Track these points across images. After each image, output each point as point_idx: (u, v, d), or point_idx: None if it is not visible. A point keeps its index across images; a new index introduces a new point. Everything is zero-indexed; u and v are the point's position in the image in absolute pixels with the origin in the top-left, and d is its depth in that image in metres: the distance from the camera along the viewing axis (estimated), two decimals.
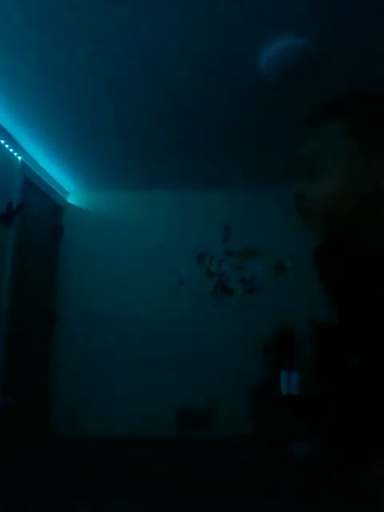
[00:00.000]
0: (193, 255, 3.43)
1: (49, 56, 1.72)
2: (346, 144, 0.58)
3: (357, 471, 2.33)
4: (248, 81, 1.90)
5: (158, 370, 3.24)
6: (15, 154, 2.51)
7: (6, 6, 1.44)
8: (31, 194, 2.77)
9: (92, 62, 1.77)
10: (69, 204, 3.52)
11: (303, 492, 2.09)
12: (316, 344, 3.04)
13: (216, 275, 3.40)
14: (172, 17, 1.49)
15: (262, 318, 3.26)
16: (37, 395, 2.93)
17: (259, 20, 1.52)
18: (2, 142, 2.35)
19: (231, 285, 3.38)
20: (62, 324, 3.29)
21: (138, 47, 1.66)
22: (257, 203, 3.51)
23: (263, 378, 3.06)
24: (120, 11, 1.47)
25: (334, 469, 2.42)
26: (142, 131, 2.44)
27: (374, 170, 0.56)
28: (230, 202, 3.52)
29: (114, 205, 3.53)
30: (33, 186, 2.80)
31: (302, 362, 3.01)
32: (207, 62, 1.77)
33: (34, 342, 2.89)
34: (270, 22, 1.53)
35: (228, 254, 3.43)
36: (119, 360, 3.26)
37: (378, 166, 0.56)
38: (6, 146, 2.40)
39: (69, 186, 3.45)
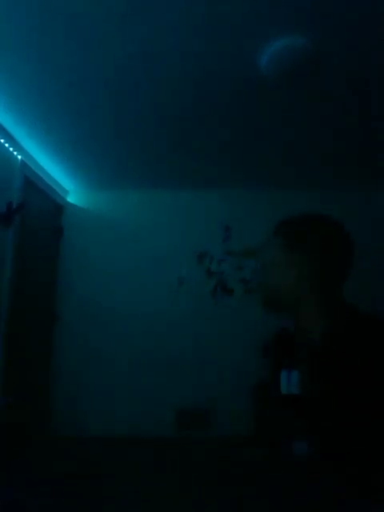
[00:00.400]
0: (193, 255, 3.43)
1: (49, 56, 1.72)
2: (279, 252, 0.85)
3: (357, 471, 2.33)
4: (248, 81, 1.90)
5: (158, 370, 3.24)
6: (15, 153, 2.51)
7: (6, 6, 1.43)
8: (31, 193, 2.77)
9: (92, 62, 1.77)
10: (69, 203, 3.52)
11: (303, 492, 2.09)
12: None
13: (216, 275, 3.40)
14: (172, 17, 1.49)
15: (262, 318, 3.26)
16: (37, 395, 2.93)
17: (259, 20, 1.52)
18: (2, 141, 2.35)
19: (231, 285, 3.38)
20: (62, 324, 3.29)
21: (138, 47, 1.66)
22: (257, 203, 3.51)
23: (263, 378, 3.06)
24: (120, 11, 1.47)
25: (333, 469, 2.42)
26: (142, 131, 2.43)
27: (296, 262, 0.82)
28: (229, 202, 3.52)
29: (114, 204, 3.53)
30: (33, 185, 2.79)
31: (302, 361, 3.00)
32: (207, 62, 1.77)
33: (34, 341, 2.89)
34: (270, 22, 1.53)
35: (228, 254, 3.43)
36: (119, 360, 3.26)
37: (297, 264, 0.82)
38: (6, 145, 2.40)
39: (69, 186, 3.45)
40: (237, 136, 2.53)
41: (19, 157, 2.55)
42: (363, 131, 2.48)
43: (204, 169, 3.10)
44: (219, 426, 3.12)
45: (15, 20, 1.51)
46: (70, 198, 3.53)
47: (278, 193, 3.49)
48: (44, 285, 3.12)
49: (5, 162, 2.40)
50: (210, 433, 3.10)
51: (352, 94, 2.04)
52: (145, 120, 2.30)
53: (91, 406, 3.19)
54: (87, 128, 2.39)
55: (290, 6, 1.44)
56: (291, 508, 1.94)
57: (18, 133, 2.42)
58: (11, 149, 2.46)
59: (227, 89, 1.98)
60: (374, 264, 3.32)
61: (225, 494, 2.12)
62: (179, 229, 3.49)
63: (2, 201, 2.34)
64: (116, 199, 3.54)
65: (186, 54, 1.71)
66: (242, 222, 3.47)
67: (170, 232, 3.49)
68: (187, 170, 3.12)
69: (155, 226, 3.50)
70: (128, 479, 2.30)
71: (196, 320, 3.33)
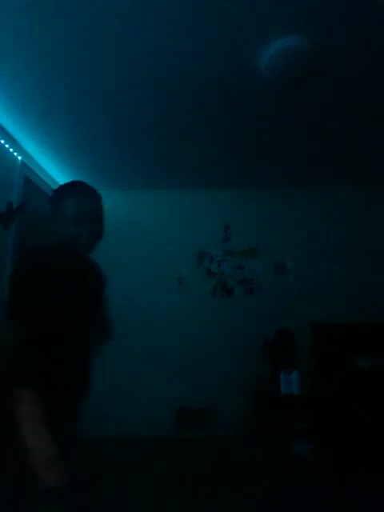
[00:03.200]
0: (193, 255, 3.43)
1: (49, 56, 1.72)
2: None
3: (357, 471, 2.33)
4: (248, 81, 1.91)
5: (158, 370, 3.24)
6: (15, 153, 2.51)
7: (6, 7, 1.44)
8: (31, 193, 2.77)
9: (92, 63, 1.77)
10: None
11: (303, 492, 2.09)
12: (316, 344, 3.04)
13: (216, 275, 3.40)
14: (172, 17, 1.50)
15: (262, 318, 3.26)
16: None
17: (259, 20, 1.52)
18: (3, 142, 2.35)
19: (231, 285, 3.38)
20: None
21: (138, 47, 1.67)
22: (257, 203, 3.51)
23: (263, 378, 3.06)
24: (120, 12, 1.47)
25: (333, 469, 2.42)
26: (141, 131, 2.44)
27: None
28: (230, 202, 3.52)
29: (114, 205, 3.53)
30: (33, 185, 2.79)
31: (302, 361, 3.01)
32: (207, 62, 1.77)
33: None
34: (270, 22, 1.53)
35: (228, 254, 3.43)
36: (119, 360, 3.26)
37: None
38: (6, 145, 2.40)
39: None
40: (237, 136, 2.53)
41: (19, 157, 2.55)
42: (363, 131, 2.48)
43: (204, 169, 3.10)
44: (219, 426, 3.12)
45: (15, 20, 1.51)
46: None
47: (278, 193, 3.49)
48: None
49: (5, 163, 2.40)
50: (210, 433, 3.10)
51: (352, 93, 2.04)
52: (144, 120, 2.30)
53: (91, 406, 3.18)
54: (87, 129, 2.39)
55: (289, 6, 1.44)
56: (292, 508, 1.94)
57: (19, 133, 2.42)
58: (11, 149, 2.46)
59: (227, 89, 1.98)
60: (374, 264, 3.32)
61: (225, 494, 2.12)
62: (179, 229, 3.49)
63: (2, 201, 2.34)
64: (116, 199, 3.54)
65: (186, 54, 1.71)
66: (242, 221, 3.47)
67: (170, 232, 3.49)
68: (187, 169, 3.12)
69: (155, 226, 3.51)
70: (128, 479, 2.30)
71: (196, 320, 3.33)
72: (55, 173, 3.11)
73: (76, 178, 3.62)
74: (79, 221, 1.16)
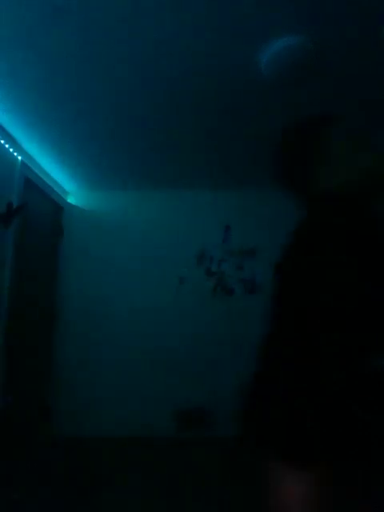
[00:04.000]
0: (193, 255, 3.43)
1: (49, 56, 1.72)
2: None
3: (357, 471, 2.33)
4: (248, 81, 1.90)
5: (157, 370, 3.24)
6: (15, 153, 2.51)
7: (6, 5, 1.44)
8: (31, 193, 2.77)
9: (92, 62, 1.77)
10: (69, 204, 3.52)
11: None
12: None
13: (216, 275, 3.40)
14: (172, 16, 1.50)
15: (262, 318, 3.25)
16: (37, 395, 2.93)
17: (259, 20, 1.52)
18: (3, 142, 2.35)
19: (231, 285, 3.38)
20: (62, 324, 3.29)
21: (138, 47, 1.67)
22: (257, 203, 3.51)
23: None
24: (120, 11, 1.47)
25: (333, 469, 2.42)
26: (141, 131, 2.43)
27: None
28: (230, 202, 3.52)
29: (114, 205, 3.53)
30: (33, 185, 2.79)
31: None
32: (207, 62, 1.77)
33: (34, 341, 2.89)
34: (270, 22, 1.53)
35: (228, 254, 3.43)
36: (119, 360, 3.26)
37: None
38: (6, 145, 2.40)
39: (69, 186, 3.45)
40: (237, 136, 2.53)
41: (19, 158, 2.55)
42: (363, 131, 2.48)
43: (204, 169, 3.10)
44: (219, 426, 3.12)
45: (15, 20, 1.51)
46: (70, 199, 3.53)
47: (278, 193, 3.48)
48: (44, 285, 3.12)
49: (5, 163, 2.40)
50: (210, 433, 3.10)
51: (352, 93, 2.04)
52: (145, 120, 2.30)
53: (91, 406, 3.19)
54: (87, 129, 2.39)
55: (289, 6, 1.44)
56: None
57: (19, 134, 2.42)
58: (11, 150, 2.46)
59: (227, 89, 1.98)
60: None
61: (225, 494, 2.12)
62: (179, 229, 3.49)
63: (2, 201, 2.34)
64: (116, 199, 3.54)
65: (186, 54, 1.71)
66: (242, 222, 3.47)
67: (169, 232, 3.49)
68: (187, 169, 3.12)
69: (155, 226, 3.51)
70: (128, 479, 2.31)
71: (196, 320, 3.33)
72: (55, 173, 3.11)
73: (75, 178, 3.63)
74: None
